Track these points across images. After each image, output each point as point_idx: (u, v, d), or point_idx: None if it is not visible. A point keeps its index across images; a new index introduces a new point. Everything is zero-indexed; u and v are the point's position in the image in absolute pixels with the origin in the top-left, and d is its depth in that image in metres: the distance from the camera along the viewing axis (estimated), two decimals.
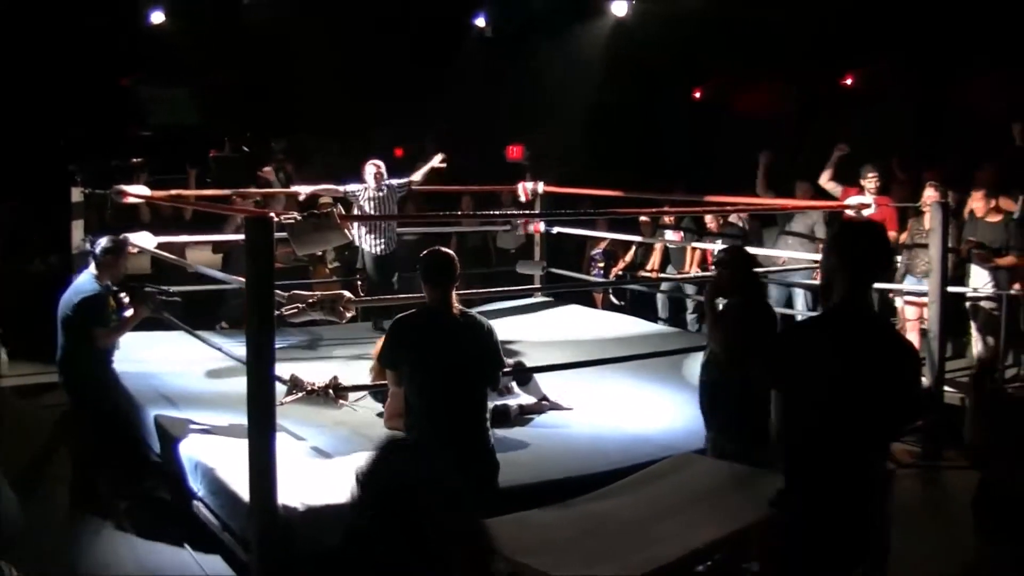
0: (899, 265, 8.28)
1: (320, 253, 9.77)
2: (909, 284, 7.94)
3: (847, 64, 12.75)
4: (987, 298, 7.88)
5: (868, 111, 11.91)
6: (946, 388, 7.10)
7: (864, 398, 3.14)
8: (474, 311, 4.62)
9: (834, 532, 3.23)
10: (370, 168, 8.78)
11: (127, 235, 6.92)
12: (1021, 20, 10.00)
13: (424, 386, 4.28)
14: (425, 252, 4.44)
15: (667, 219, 9.88)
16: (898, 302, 8.45)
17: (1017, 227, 7.89)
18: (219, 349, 6.52)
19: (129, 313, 5.98)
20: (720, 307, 4.82)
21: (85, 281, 5.85)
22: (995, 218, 7.92)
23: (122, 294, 6.08)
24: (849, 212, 7.70)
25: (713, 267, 5.81)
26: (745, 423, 4.41)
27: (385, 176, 8.79)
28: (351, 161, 9.46)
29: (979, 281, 7.99)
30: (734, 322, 4.72)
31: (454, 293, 4.36)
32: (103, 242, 5.95)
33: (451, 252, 4.46)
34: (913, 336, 8.04)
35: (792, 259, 8.48)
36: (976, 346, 8.11)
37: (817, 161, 8.89)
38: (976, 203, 7.96)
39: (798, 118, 12.84)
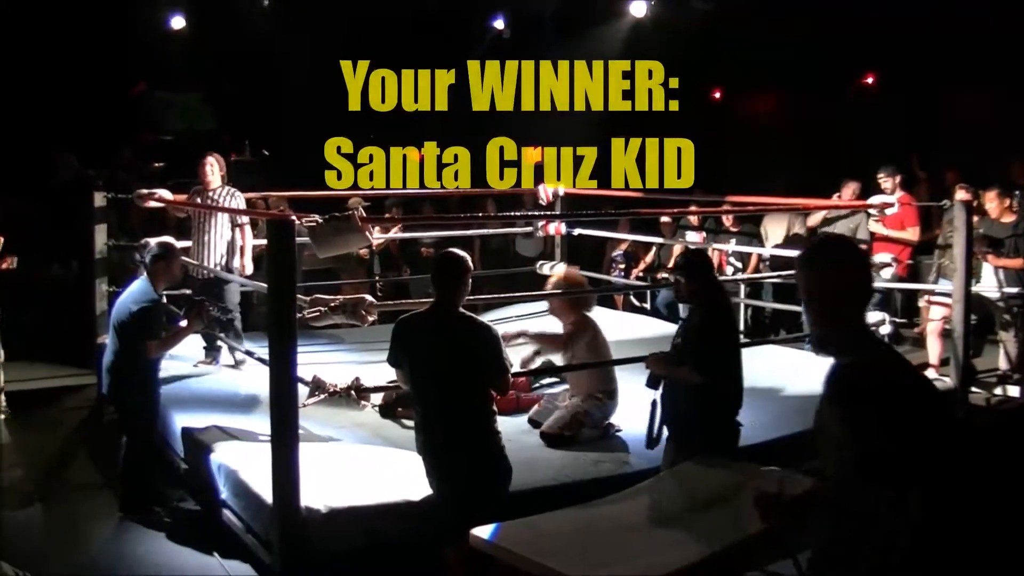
0: (933, 265, 8.19)
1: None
2: (944, 286, 7.64)
3: (858, 68, 12.71)
4: (1010, 298, 7.77)
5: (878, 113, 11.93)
6: (972, 389, 7.03)
7: None
8: (493, 313, 4.61)
9: None
10: (213, 163, 7.32)
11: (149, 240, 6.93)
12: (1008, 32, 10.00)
13: (422, 386, 4.29)
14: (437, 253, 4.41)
15: (692, 219, 9.82)
16: (920, 302, 8.35)
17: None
18: (240, 351, 6.54)
19: (183, 324, 5.81)
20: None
21: (143, 290, 5.55)
22: (1008, 218, 7.82)
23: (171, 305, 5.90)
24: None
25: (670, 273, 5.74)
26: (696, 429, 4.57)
27: (224, 180, 7.34)
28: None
29: (988, 282, 7.88)
30: (686, 331, 4.72)
31: (460, 295, 4.32)
32: (153, 249, 5.69)
33: (460, 253, 4.37)
34: (935, 338, 7.89)
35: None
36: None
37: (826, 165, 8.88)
38: (990, 203, 7.86)
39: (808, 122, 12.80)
